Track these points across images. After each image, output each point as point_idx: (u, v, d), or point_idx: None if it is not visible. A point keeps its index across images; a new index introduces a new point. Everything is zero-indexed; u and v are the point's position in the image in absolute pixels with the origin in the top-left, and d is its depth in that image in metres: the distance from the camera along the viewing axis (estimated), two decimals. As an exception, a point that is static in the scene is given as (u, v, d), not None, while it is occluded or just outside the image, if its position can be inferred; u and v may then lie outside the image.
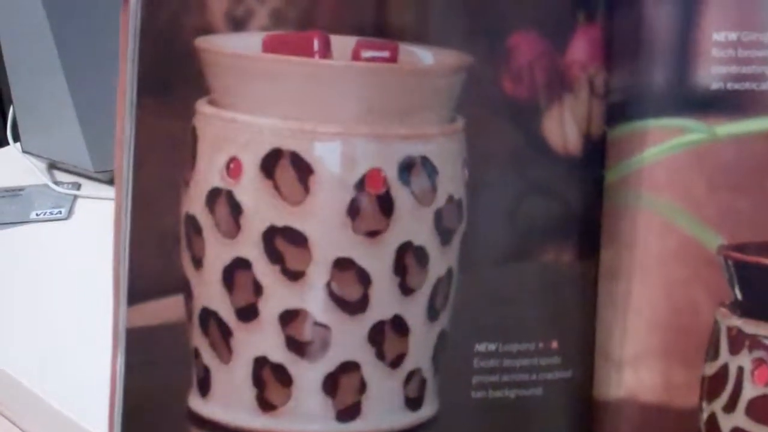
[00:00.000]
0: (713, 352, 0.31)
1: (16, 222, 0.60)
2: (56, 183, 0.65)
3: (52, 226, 0.60)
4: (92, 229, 0.60)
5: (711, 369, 0.31)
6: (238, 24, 0.29)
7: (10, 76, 0.67)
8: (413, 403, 0.31)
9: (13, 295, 0.52)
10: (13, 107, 0.68)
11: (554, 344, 0.32)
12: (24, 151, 0.68)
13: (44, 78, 0.63)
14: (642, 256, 0.32)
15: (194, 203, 0.29)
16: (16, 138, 0.68)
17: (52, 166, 0.68)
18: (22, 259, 0.56)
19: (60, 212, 0.61)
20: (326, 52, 0.28)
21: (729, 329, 0.31)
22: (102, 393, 0.41)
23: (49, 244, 0.58)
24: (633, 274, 0.32)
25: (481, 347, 0.31)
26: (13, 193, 0.65)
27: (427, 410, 0.31)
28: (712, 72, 0.30)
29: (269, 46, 0.28)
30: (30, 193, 0.64)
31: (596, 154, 0.32)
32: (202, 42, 0.29)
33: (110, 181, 0.65)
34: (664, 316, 0.31)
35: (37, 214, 0.61)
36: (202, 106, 0.29)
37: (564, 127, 0.32)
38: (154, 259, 0.30)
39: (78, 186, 0.65)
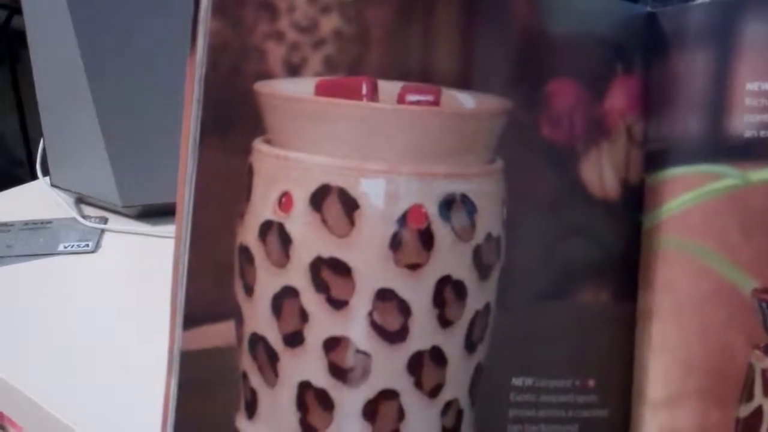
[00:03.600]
0: (748, 394, 0.33)
1: (44, 254, 0.64)
2: (84, 217, 0.69)
3: (79, 258, 0.64)
4: (119, 263, 0.64)
5: (746, 411, 0.33)
6: (293, 70, 0.33)
7: (41, 110, 0.70)
8: (450, 433, 0.34)
9: (40, 324, 0.55)
10: (43, 142, 0.71)
11: (591, 383, 0.35)
12: (52, 185, 0.72)
13: (75, 113, 0.66)
14: (678, 299, 0.34)
15: (248, 234, 0.33)
16: (45, 172, 0.72)
17: (80, 200, 0.72)
18: (49, 289, 0.60)
19: (87, 245, 0.65)
20: (374, 95, 0.32)
21: (764, 371, 0.33)
22: (128, 419, 0.45)
23: (76, 276, 0.62)
24: (669, 316, 0.34)
25: (517, 381, 0.34)
26: (41, 225, 0.69)
27: (464, 441, 0.34)
28: (745, 120, 0.33)
29: (321, 90, 0.32)
30: (58, 226, 0.68)
31: (634, 200, 0.35)
32: (261, 86, 0.33)
33: (137, 216, 0.69)
34: (699, 358, 0.34)
35: (64, 247, 0.65)
36: (259, 145, 0.33)
37: (602, 173, 0.35)
38: (209, 287, 0.33)
39: (105, 220, 0.69)
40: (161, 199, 0.67)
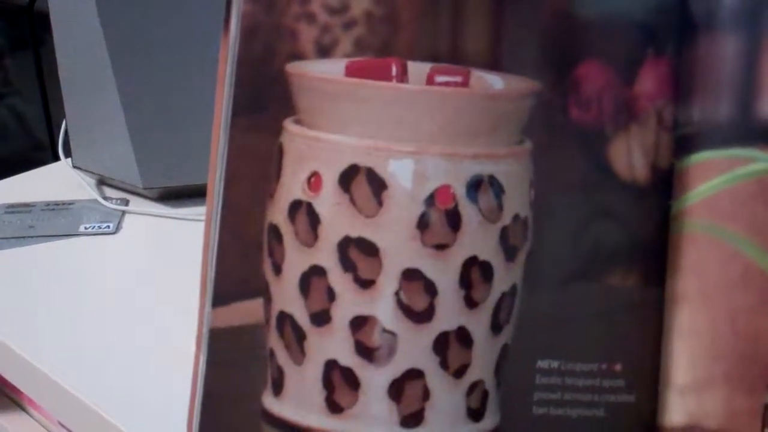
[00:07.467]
0: (775, 380, 0.35)
1: (65, 234, 0.67)
2: (105, 198, 0.72)
3: (100, 239, 0.67)
4: (139, 244, 0.67)
5: (773, 397, 0.35)
6: (324, 51, 0.35)
7: (64, 92, 0.73)
8: (475, 414, 0.35)
9: (59, 304, 0.58)
10: (66, 123, 0.74)
11: (618, 367, 0.36)
12: (74, 167, 0.74)
13: (97, 95, 0.69)
14: (706, 284, 0.36)
15: (277, 214, 0.35)
16: (67, 153, 0.75)
17: (102, 181, 0.75)
18: (70, 270, 0.63)
19: (108, 227, 0.68)
20: (403, 76, 0.34)
21: (791, 357, 0.35)
22: (150, 399, 0.47)
23: (97, 256, 0.65)
24: (697, 301, 0.36)
25: (543, 364, 0.36)
26: (63, 206, 0.71)
27: (489, 422, 0.36)
28: (776, 104, 0.35)
29: (351, 71, 0.34)
30: (79, 207, 0.71)
31: (663, 185, 0.37)
32: (292, 67, 0.35)
33: (158, 198, 0.71)
34: (727, 344, 0.35)
35: (85, 228, 0.68)
36: (289, 125, 0.35)
37: (631, 156, 0.36)
38: (238, 265, 0.36)
39: (126, 202, 0.72)
40: (182, 181, 0.69)
